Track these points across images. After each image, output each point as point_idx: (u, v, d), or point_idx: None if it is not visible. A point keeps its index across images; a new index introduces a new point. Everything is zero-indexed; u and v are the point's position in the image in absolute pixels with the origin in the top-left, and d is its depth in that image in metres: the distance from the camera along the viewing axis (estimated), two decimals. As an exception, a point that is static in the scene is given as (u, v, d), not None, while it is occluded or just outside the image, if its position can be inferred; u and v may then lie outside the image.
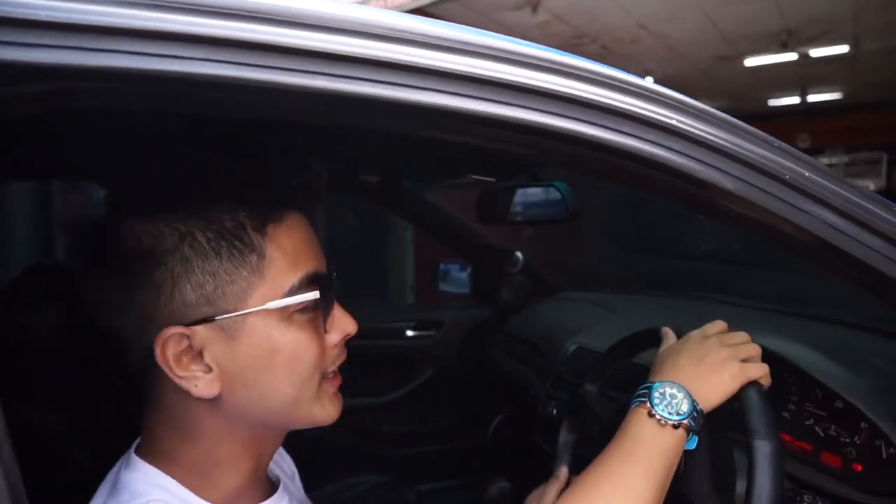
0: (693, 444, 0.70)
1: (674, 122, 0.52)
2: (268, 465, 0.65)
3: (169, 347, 0.52)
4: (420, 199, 1.81)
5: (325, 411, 0.60)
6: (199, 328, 0.52)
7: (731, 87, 8.52)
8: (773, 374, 1.00)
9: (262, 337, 0.54)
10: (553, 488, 0.88)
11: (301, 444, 0.88)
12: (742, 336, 0.75)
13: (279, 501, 0.64)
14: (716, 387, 0.69)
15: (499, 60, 0.50)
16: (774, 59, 7.10)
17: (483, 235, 1.83)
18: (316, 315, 0.57)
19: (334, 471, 1.65)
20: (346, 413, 1.84)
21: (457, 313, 1.92)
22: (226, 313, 0.53)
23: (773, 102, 9.85)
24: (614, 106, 0.51)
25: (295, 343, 0.55)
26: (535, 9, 4.91)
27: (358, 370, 1.87)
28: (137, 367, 0.55)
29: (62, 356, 1.20)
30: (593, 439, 1.12)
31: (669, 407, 0.67)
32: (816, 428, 0.93)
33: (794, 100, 9.56)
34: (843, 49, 6.84)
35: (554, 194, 1.12)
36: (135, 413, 0.63)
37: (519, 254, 1.76)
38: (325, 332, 0.58)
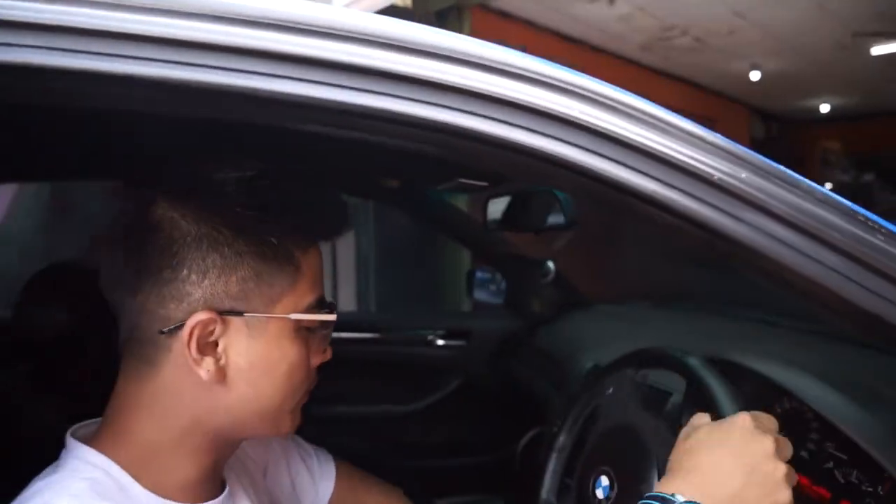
0: None
1: (574, 112, 0.47)
2: (220, 467, 0.66)
3: (197, 328, 0.56)
4: (448, 206, 1.79)
5: (290, 424, 0.65)
6: (229, 318, 0.57)
7: (857, 80, 7.74)
8: (793, 409, 0.91)
9: (275, 342, 0.59)
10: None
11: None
12: (790, 448, 0.58)
13: (224, 502, 0.65)
14: None
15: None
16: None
17: (512, 245, 1.80)
18: (314, 337, 0.63)
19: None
20: (368, 421, 1.84)
21: (486, 323, 1.89)
22: (257, 313, 0.58)
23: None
24: (500, 94, 0.46)
25: (297, 356, 0.61)
26: (611, 0, 4.75)
27: (383, 377, 1.91)
28: (147, 335, 0.57)
29: (66, 349, 1.29)
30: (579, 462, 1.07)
31: None
32: (836, 472, 0.83)
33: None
34: None
35: (552, 200, 1.07)
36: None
37: (550, 264, 1.70)
38: (314, 355, 0.64)
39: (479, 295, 2.00)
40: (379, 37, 0.45)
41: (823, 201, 0.47)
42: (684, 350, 0.88)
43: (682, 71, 7.23)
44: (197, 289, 0.56)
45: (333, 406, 1.79)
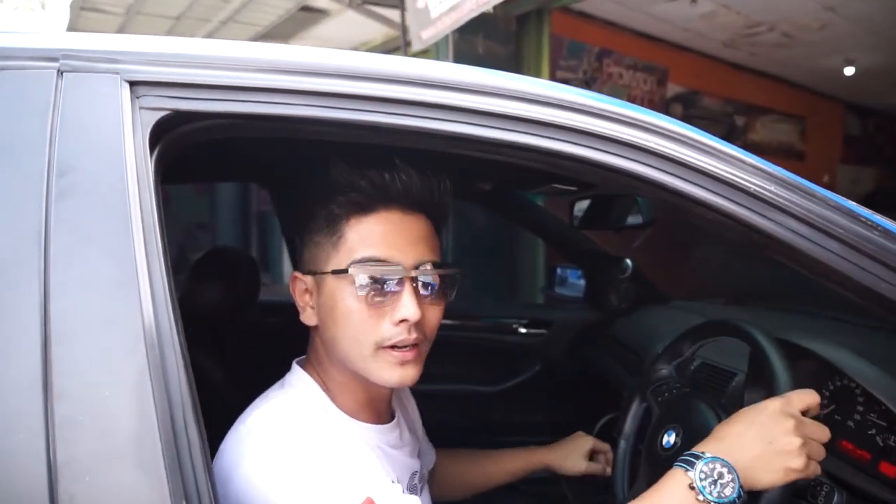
0: None
1: (652, 144, 0.68)
2: (383, 402, 0.89)
3: (295, 285, 0.84)
4: (533, 206, 2.00)
5: (383, 374, 0.78)
6: (307, 277, 0.83)
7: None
8: (843, 385, 1.07)
9: (328, 294, 0.79)
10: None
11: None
12: (820, 430, 0.72)
13: (392, 429, 0.90)
14: (770, 475, 0.69)
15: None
16: None
17: (593, 242, 1.97)
18: (372, 293, 0.75)
19: (442, 448, 1.86)
20: (459, 398, 2.08)
21: (566, 314, 2.07)
22: (317, 272, 0.81)
23: None
24: (611, 134, 0.68)
25: (348, 308, 0.76)
26: (694, -1, 4.79)
27: (473, 360, 2.13)
28: None
29: (222, 321, 1.60)
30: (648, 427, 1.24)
31: (713, 486, 0.67)
32: (877, 438, 0.98)
33: None
34: None
35: (631, 202, 1.26)
36: (271, 368, 0.91)
37: (628, 261, 1.87)
38: (391, 311, 0.75)
39: (560, 289, 2.19)
40: (515, 91, 0.69)
41: (834, 206, 0.66)
42: (748, 321, 1.03)
43: (768, 67, 7.08)
44: (301, 257, 0.85)
45: (423, 384, 2.04)
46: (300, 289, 0.84)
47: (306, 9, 5.28)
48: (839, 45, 6.27)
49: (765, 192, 0.66)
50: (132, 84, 0.65)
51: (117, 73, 0.65)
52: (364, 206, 0.78)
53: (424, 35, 3.84)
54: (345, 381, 0.84)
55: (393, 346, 0.77)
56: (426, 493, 1.00)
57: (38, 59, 0.65)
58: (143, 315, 0.56)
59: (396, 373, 0.78)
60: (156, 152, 0.65)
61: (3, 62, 0.65)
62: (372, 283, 0.76)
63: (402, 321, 0.76)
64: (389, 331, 0.77)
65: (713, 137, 0.70)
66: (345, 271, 0.77)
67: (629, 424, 1.14)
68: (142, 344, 0.55)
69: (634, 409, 1.14)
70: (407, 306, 0.76)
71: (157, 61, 0.67)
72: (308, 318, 0.83)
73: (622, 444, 1.13)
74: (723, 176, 0.67)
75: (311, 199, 0.81)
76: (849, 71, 6.91)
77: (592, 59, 5.58)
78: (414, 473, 0.95)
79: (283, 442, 0.72)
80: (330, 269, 0.78)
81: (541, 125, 0.67)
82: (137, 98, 0.65)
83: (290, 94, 0.67)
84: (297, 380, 0.84)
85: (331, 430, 0.76)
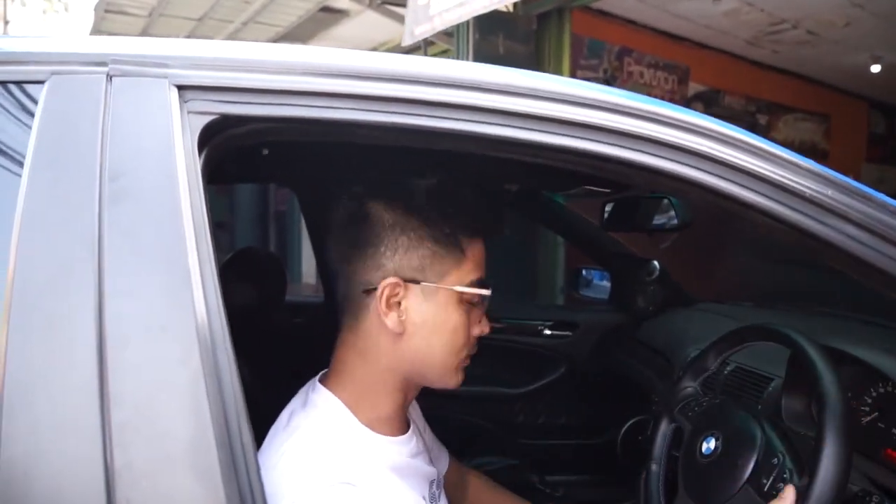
0: None
1: (704, 147, 0.67)
2: (408, 407, 0.90)
3: (386, 289, 0.79)
4: (559, 207, 1.99)
5: (455, 380, 0.85)
6: (410, 284, 0.80)
7: None
8: (887, 392, 1.04)
9: (443, 307, 0.80)
10: None
11: (440, 423, 1.12)
12: None
13: (410, 439, 0.89)
14: None
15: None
16: None
17: (620, 244, 1.95)
18: (473, 310, 0.83)
19: (466, 449, 1.86)
20: (483, 400, 2.08)
21: (592, 316, 2.06)
22: (430, 282, 0.80)
23: None
24: (661, 138, 0.67)
25: (459, 321, 0.81)
26: (717, -4, 4.74)
27: (497, 362, 2.12)
28: (354, 295, 0.82)
29: (251, 321, 1.61)
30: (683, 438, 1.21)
31: None
32: (924, 446, 0.96)
33: None
34: None
35: (667, 205, 1.25)
36: (295, 368, 0.91)
37: (656, 263, 1.85)
38: (473, 325, 0.83)
39: (585, 291, 2.17)
40: (559, 94, 0.68)
41: (894, 212, 0.64)
42: (781, 324, 1.01)
43: (792, 65, 6.98)
44: (389, 261, 0.80)
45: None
46: (390, 294, 0.80)
47: (326, 9, 5.31)
48: (865, 42, 6.16)
49: (821, 197, 0.65)
50: (180, 88, 0.65)
51: (165, 78, 0.65)
52: (477, 231, 0.84)
53: (417, 31, 3.82)
54: (382, 392, 0.84)
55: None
56: (444, 499, 0.99)
57: (88, 63, 0.66)
58: (196, 319, 0.56)
59: (461, 378, 0.86)
60: (203, 156, 0.66)
61: (54, 67, 0.65)
62: (478, 301, 0.83)
63: (481, 333, 0.85)
64: (470, 342, 0.84)
65: (766, 140, 0.69)
66: (473, 288, 0.81)
67: (658, 446, 1.11)
68: (196, 348, 0.55)
69: (663, 430, 1.11)
70: (486, 322, 0.86)
71: (205, 65, 0.67)
72: (395, 324, 0.80)
73: (653, 467, 1.11)
74: (777, 180, 0.66)
75: (429, 209, 0.81)
76: (875, 68, 6.79)
77: (613, 57, 5.54)
78: (432, 481, 0.94)
79: (321, 483, 0.72)
80: (451, 284, 0.80)
81: (591, 129, 0.67)
82: (185, 102, 0.65)
83: (337, 98, 0.66)
84: (320, 399, 0.84)
85: (362, 457, 0.78)
